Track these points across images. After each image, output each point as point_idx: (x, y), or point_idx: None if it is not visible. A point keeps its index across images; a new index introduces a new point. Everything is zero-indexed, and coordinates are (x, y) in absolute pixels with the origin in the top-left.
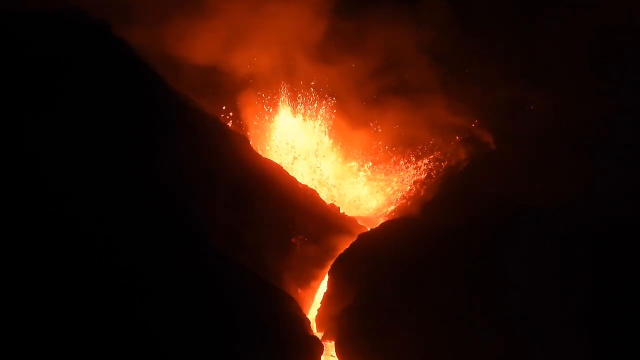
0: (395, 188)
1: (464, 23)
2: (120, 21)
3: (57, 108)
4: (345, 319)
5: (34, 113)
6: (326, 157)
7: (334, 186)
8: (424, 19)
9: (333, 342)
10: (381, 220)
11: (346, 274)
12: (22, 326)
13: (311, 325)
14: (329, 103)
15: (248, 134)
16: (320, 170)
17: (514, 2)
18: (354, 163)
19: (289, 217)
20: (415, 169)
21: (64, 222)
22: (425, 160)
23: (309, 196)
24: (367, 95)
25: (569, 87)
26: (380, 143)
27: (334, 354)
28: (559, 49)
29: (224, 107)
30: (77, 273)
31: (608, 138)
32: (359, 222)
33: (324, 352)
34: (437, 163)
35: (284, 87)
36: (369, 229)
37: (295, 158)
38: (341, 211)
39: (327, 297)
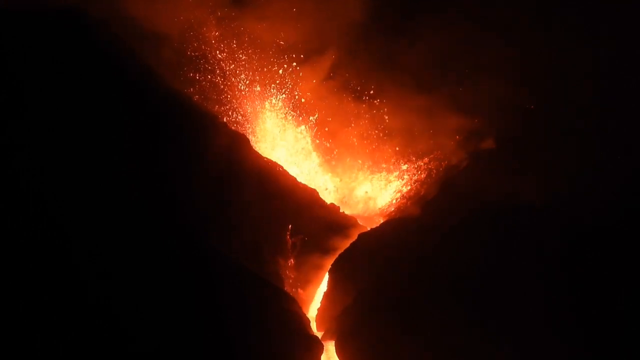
0: (395, 188)
1: (463, 23)
2: (119, 20)
3: (56, 108)
4: (345, 319)
5: (33, 113)
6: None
7: (328, 189)
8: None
9: (333, 342)
10: (381, 220)
11: (346, 273)
12: (20, 327)
13: (311, 324)
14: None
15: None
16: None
17: (513, 2)
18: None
19: (289, 216)
20: (415, 168)
21: (62, 223)
22: (425, 160)
23: (309, 196)
24: (367, 95)
25: (570, 87)
26: (380, 143)
27: (334, 354)
28: (559, 49)
29: (224, 107)
30: (76, 273)
31: (609, 138)
32: (359, 222)
33: (323, 352)
34: (437, 162)
35: (282, 87)
36: (369, 229)
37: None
38: (341, 211)
39: (327, 296)
